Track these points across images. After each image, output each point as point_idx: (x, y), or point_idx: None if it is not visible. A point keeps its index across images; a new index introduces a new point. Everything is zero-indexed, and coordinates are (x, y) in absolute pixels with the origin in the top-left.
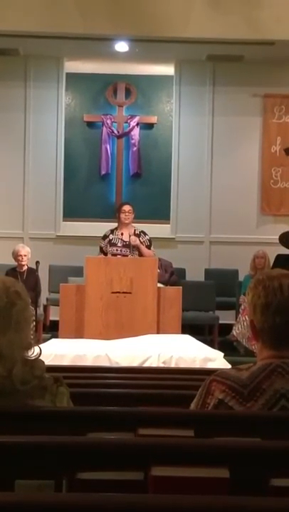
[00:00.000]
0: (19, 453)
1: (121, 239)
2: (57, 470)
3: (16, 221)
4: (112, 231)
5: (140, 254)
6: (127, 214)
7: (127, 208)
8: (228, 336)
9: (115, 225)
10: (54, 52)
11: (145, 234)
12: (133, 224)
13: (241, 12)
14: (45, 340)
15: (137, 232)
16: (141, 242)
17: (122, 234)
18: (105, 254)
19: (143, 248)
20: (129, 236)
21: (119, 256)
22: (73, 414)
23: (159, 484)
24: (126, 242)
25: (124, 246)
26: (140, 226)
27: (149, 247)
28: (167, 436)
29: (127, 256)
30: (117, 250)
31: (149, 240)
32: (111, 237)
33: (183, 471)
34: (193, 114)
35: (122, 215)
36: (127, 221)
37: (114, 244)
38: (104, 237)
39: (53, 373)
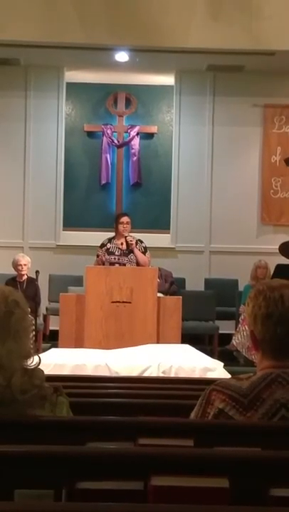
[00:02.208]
0: (19, 462)
1: (119, 248)
2: (56, 479)
3: (16, 230)
4: (109, 240)
5: (137, 262)
6: (125, 225)
7: (125, 219)
8: (228, 345)
9: (113, 233)
10: (54, 62)
11: (142, 242)
12: (131, 233)
13: (242, 22)
14: (45, 349)
15: (135, 240)
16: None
17: (121, 244)
18: (103, 262)
19: (137, 251)
20: (125, 238)
21: (116, 264)
22: (73, 424)
23: (158, 494)
24: (123, 250)
25: (121, 255)
26: (140, 236)
27: (144, 253)
28: (167, 445)
29: (124, 264)
30: (114, 259)
31: (145, 248)
32: (109, 245)
33: (183, 481)
34: (194, 124)
35: (121, 226)
36: (125, 233)
37: (112, 253)
38: (102, 245)
39: (52, 383)
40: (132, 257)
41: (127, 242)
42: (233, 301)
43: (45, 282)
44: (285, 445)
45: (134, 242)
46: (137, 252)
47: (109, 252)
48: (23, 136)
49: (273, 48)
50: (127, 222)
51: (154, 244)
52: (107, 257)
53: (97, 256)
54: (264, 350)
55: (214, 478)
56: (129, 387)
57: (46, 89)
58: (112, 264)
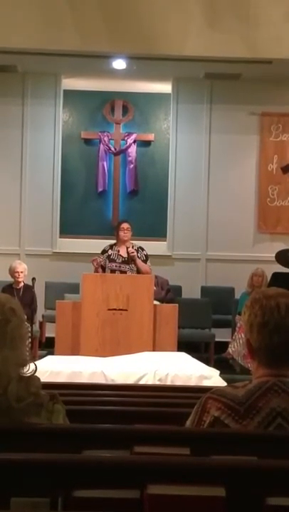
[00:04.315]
0: (15, 470)
1: (120, 255)
2: (52, 488)
3: (12, 237)
4: (111, 246)
5: (137, 269)
6: (125, 232)
7: (125, 225)
8: (224, 353)
9: (114, 241)
10: (52, 69)
11: (143, 249)
12: (131, 241)
13: (239, 31)
14: (41, 357)
15: (135, 248)
16: (138, 257)
17: (121, 250)
18: (104, 269)
19: (139, 261)
20: (126, 248)
21: (117, 272)
22: (69, 432)
23: (154, 503)
24: (125, 258)
25: (123, 262)
26: (137, 243)
27: (145, 261)
28: (163, 454)
29: (125, 272)
30: (116, 266)
31: (146, 256)
32: (110, 252)
33: (179, 490)
34: (191, 132)
35: (121, 233)
36: (125, 238)
37: (113, 260)
38: (103, 251)
39: (48, 390)
40: (132, 266)
41: (128, 252)
42: (230, 309)
43: (41, 289)
44: (281, 454)
45: (134, 253)
46: (138, 261)
47: (111, 259)
48: (20, 143)
49: (270, 56)
50: (127, 229)
51: (150, 252)
52: (108, 264)
53: (97, 261)
54: (260, 359)
55: (210, 487)
56: (125, 394)
57: (43, 97)
58: (112, 271)
